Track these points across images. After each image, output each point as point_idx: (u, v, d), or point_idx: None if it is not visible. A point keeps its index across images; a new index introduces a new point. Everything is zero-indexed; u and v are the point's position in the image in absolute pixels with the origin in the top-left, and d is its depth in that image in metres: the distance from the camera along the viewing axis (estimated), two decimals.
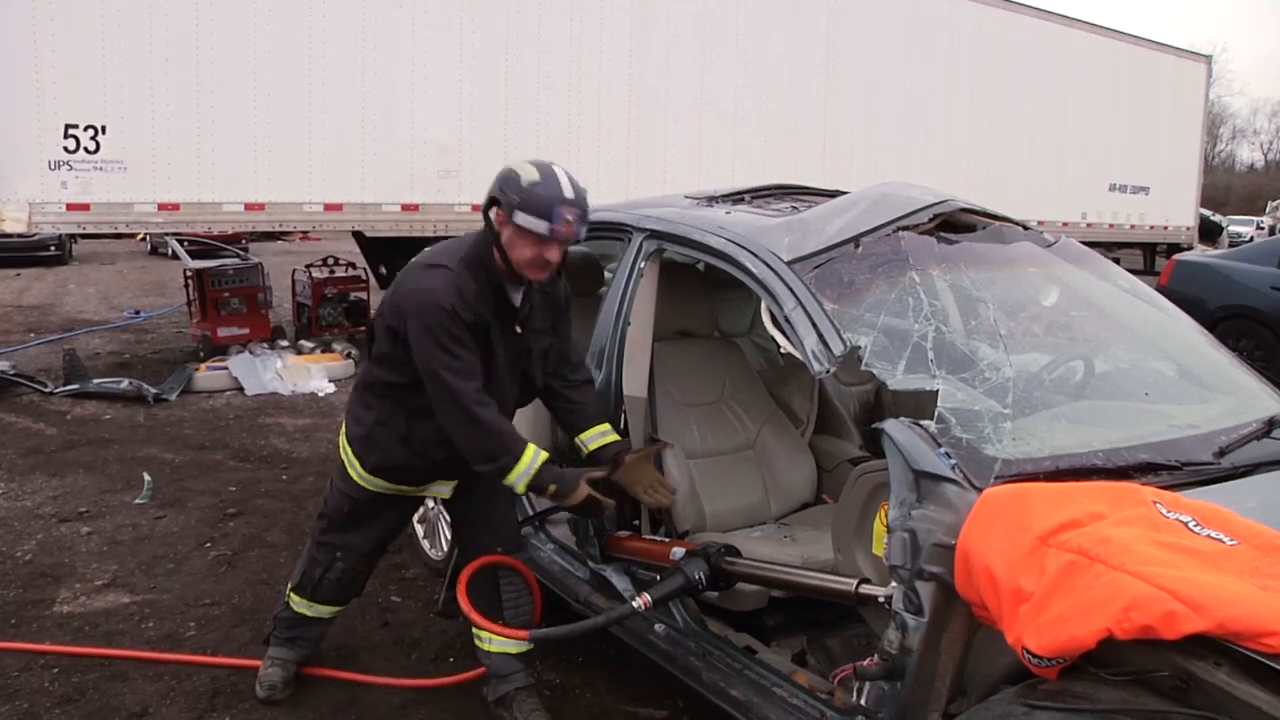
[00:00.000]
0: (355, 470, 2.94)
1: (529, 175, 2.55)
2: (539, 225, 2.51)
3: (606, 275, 3.73)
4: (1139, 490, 1.98)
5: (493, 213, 2.63)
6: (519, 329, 2.77)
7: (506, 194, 2.56)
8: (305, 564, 3.14)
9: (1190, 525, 1.84)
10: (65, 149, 6.99)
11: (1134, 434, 2.37)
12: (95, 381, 7.40)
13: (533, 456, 2.64)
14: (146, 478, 5.22)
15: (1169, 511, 1.88)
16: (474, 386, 2.60)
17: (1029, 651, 1.73)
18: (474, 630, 2.97)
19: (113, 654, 3.42)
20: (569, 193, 2.54)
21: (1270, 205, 36.09)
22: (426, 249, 3.01)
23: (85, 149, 7.06)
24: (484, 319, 2.64)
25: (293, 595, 3.18)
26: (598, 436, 2.90)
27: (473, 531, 3.03)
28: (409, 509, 3.17)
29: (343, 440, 3.00)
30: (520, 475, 2.63)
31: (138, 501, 4.99)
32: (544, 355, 2.88)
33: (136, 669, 3.33)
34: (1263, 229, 28.91)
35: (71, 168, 7.03)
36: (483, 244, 2.67)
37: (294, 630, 3.21)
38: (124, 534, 4.56)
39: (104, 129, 7.10)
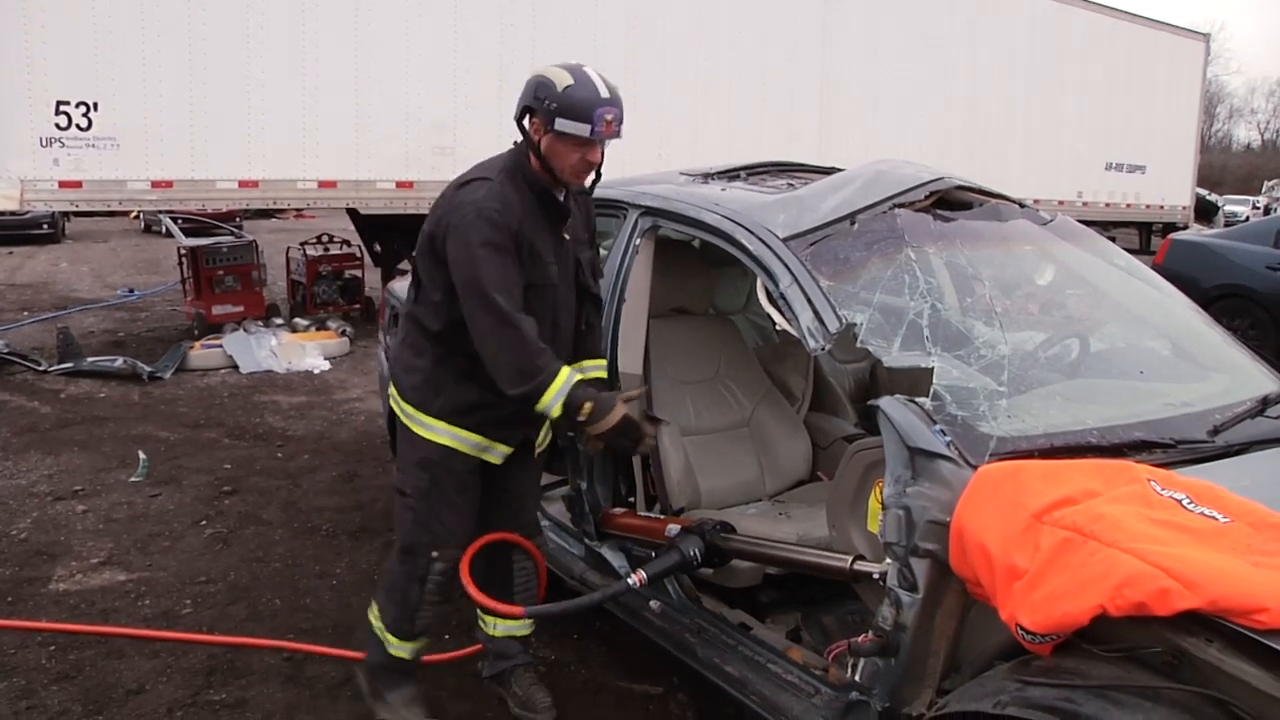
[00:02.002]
0: (422, 424, 2.68)
1: (563, 80, 2.47)
2: (581, 129, 2.45)
3: (602, 252, 3.71)
4: (1133, 468, 1.99)
5: (527, 121, 2.56)
6: (566, 235, 2.68)
7: (543, 101, 2.48)
8: (398, 593, 2.76)
9: (1184, 503, 1.85)
10: (57, 126, 6.93)
11: (1129, 412, 2.37)
12: (89, 360, 7.38)
13: (568, 375, 2.48)
14: (142, 456, 5.22)
15: (1163, 489, 1.89)
16: (514, 300, 2.47)
17: (1023, 628, 1.74)
18: (479, 615, 2.97)
19: (109, 631, 3.43)
20: (605, 92, 2.48)
21: (1266, 185, 36.10)
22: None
23: (77, 126, 7.01)
24: (527, 229, 2.54)
25: (390, 638, 2.80)
26: (593, 369, 2.81)
27: (496, 515, 2.85)
28: (481, 479, 2.80)
29: (397, 402, 2.76)
30: (556, 395, 2.45)
31: (133, 479, 4.99)
32: (590, 265, 2.82)
33: (133, 646, 3.35)
34: (1258, 208, 28.91)
35: (64, 145, 6.97)
36: (519, 154, 2.61)
37: (396, 672, 2.86)
38: (119, 512, 4.56)
39: (96, 105, 7.05)
